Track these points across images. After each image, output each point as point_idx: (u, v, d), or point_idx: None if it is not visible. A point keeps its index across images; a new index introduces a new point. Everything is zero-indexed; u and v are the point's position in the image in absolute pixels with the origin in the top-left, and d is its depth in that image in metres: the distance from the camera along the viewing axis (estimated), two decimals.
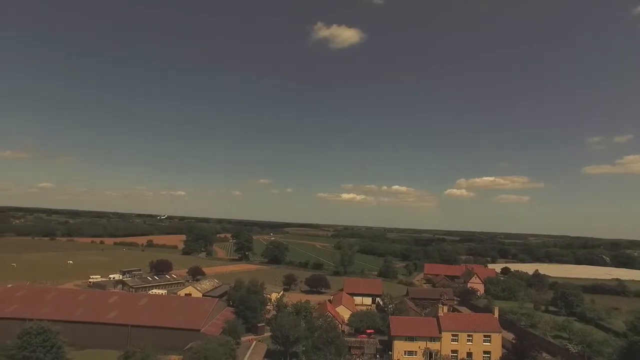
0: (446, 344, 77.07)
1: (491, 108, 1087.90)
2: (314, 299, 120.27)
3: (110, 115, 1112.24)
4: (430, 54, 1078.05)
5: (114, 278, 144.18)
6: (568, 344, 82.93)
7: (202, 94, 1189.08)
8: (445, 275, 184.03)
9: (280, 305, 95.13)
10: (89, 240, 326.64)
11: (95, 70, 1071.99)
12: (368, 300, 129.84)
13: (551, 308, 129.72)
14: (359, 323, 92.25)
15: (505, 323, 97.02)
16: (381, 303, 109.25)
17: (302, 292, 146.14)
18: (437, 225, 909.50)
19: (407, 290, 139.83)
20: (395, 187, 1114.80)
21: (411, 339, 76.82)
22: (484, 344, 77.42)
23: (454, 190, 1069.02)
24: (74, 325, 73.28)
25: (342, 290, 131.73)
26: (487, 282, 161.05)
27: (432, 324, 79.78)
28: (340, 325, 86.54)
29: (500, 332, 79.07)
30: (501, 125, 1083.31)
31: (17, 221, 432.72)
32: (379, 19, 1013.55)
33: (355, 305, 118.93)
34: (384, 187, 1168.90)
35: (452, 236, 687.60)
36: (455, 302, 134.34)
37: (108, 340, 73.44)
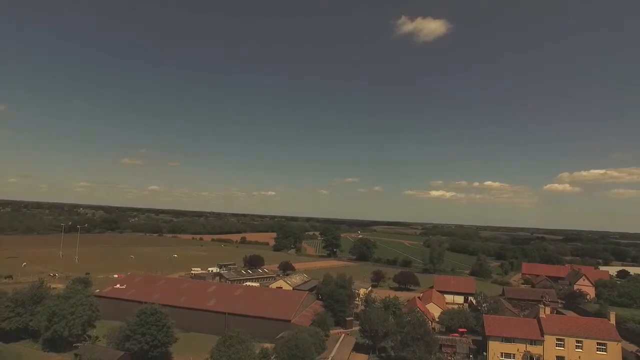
0: (550, 348, 70.34)
1: (598, 90, 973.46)
2: (403, 295, 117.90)
3: (209, 124, 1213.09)
4: (524, 37, 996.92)
5: (212, 270, 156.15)
6: None
7: (289, 97, 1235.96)
8: (546, 276, 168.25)
9: (368, 300, 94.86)
10: (190, 237, 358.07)
11: (196, 85, 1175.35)
12: (460, 299, 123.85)
13: None
14: (450, 321, 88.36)
15: (625, 332, 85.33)
16: (474, 302, 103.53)
17: (391, 288, 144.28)
18: (535, 223, 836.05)
19: (503, 290, 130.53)
20: (488, 182, 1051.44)
21: (508, 340, 71.52)
22: (598, 352, 68.97)
23: (555, 185, 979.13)
24: (179, 309, 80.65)
25: (431, 287, 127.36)
26: (599, 285, 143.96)
27: (532, 326, 73.48)
28: (430, 323, 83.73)
29: (619, 341, 69.78)
30: (613, 109, 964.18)
31: (133, 220, 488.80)
32: (466, 6, 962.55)
33: (446, 303, 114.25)
34: (476, 183, 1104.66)
35: (554, 235, 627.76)
36: (559, 305, 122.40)
37: (208, 325, 79.79)
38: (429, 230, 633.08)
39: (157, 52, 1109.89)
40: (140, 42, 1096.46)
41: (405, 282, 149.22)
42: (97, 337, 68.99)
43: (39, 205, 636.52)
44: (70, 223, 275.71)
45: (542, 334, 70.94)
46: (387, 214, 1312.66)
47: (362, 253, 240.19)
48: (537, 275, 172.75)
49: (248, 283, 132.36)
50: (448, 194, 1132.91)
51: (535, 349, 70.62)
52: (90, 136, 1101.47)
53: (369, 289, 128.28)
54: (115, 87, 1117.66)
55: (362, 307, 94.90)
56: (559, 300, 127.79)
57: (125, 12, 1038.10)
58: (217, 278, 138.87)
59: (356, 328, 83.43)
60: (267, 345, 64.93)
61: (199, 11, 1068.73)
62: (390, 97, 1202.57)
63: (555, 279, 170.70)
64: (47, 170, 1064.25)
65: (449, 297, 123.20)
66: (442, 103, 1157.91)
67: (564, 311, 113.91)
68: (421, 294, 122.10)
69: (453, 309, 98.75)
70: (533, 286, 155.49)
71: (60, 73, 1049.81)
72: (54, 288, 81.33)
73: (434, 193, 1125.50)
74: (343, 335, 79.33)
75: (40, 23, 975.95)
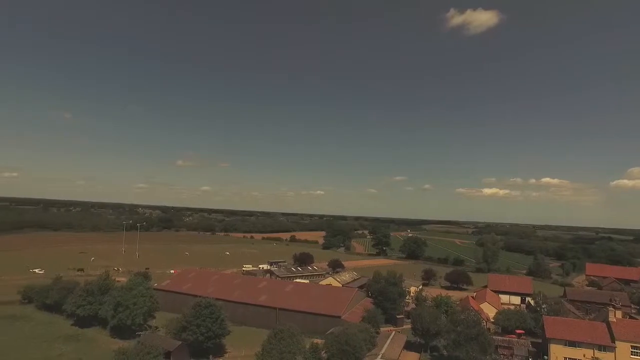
0: (623, 356, 64.56)
1: None
2: (455, 294, 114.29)
3: (256, 126, 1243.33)
4: (582, 27, 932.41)
5: (262, 268, 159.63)
6: None
7: (337, 97, 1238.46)
8: (615, 278, 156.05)
9: (419, 298, 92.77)
10: (241, 235, 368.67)
11: (246, 89, 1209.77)
12: (516, 299, 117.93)
13: None
14: (507, 322, 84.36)
15: None
16: (532, 303, 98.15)
17: (442, 287, 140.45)
18: (599, 222, 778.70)
19: (565, 292, 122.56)
20: (546, 179, 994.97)
21: (573, 344, 66.91)
22: None
23: (624, 181, 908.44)
24: (232, 304, 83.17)
25: (485, 287, 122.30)
26: None
27: (600, 330, 68.24)
28: (484, 323, 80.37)
29: None
30: None
31: (187, 219, 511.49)
32: None
33: (501, 303, 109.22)
34: (532, 180, 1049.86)
35: (622, 235, 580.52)
36: (632, 310, 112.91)
37: (259, 319, 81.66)
38: (482, 229, 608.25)
39: (207, 57, 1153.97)
40: (190, 49, 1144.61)
41: (457, 281, 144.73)
42: (156, 327, 72.76)
43: (103, 206, 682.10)
44: (130, 222, 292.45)
45: (613, 340, 65.69)
46: (438, 213, 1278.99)
47: (412, 251, 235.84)
48: (605, 277, 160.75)
49: (298, 280, 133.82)
50: (502, 192, 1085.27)
51: (604, 356, 65.46)
52: (146, 140, 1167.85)
53: (420, 287, 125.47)
54: (168, 92, 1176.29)
55: (413, 305, 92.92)
56: (632, 305, 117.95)
57: (173, 20, 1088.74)
58: (268, 275, 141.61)
59: (407, 326, 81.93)
60: (317, 340, 65.13)
61: (247, 11, 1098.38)
62: (440, 92, 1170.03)
63: (627, 281, 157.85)
64: (109, 173, 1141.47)
65: (504, 297, 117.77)
66: (495, 97, 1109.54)
67: (638, 317, 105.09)
68: (474, 293, 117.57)
69: (509, 309, 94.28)
70: (600, 288, 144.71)
71: (117, 80, 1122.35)
72: (118, 281, 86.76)
73: (487, 191, 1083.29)
74: (394, 332, 78.03)
75: (98, 35, 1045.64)
